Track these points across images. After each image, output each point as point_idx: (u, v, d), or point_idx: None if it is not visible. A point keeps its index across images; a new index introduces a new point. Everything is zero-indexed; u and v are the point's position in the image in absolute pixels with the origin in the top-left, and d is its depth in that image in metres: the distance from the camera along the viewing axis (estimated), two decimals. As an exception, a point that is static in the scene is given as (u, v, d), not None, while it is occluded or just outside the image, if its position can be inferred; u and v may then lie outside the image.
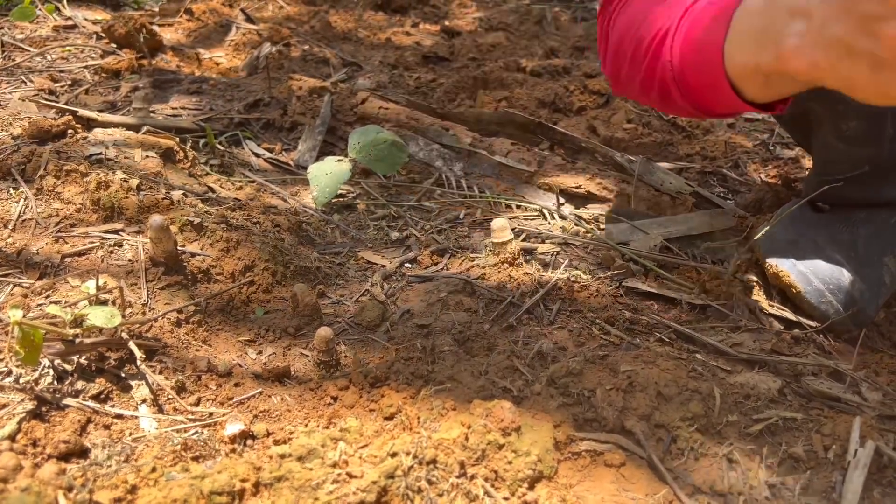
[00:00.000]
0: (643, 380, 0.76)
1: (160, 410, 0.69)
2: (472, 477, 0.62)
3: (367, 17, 2.50)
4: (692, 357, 0.87)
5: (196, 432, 0.66)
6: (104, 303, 0.79)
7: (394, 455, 0.60)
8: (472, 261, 1.05)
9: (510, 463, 0.64)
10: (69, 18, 2.12)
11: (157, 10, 2.25)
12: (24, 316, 0.64)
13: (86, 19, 2.12)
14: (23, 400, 0.65)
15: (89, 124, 1.24)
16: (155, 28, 1.92)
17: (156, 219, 0.85)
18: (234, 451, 0.62)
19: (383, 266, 1.05)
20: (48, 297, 0.82)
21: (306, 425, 0.69)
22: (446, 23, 2.49)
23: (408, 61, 1.97)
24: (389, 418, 0.68)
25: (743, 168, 1.55)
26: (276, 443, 0.66)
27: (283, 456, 0.58)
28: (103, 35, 1.93)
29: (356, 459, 0.59)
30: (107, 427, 0.66)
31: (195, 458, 0.60)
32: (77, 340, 0.69)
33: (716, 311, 0.97)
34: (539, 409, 0.70)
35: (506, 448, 0.65)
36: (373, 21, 2.48)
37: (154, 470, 0.55)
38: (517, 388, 0.74)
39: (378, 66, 1.96)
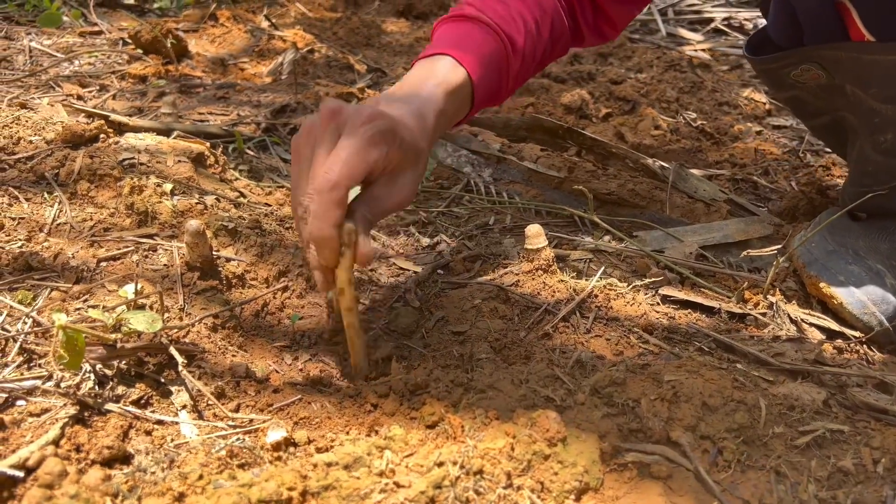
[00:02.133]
0: (688, 390, 0.74)
1: (200, 416, 0.69)
2: (519, 488, 0.61)
3: (389, 23, 2.51)
4: (732, 367, 0.85)
5: (238, 439, 0.65)
6: (142, 307, 0.79)
7: (440, 465, 0.59)
8: (505, 267, 1.04)
9: (556, 474, 0.63)
10: (95, 24, 2.13)
11: (181, 16, 2.27)
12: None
13: (111, 25, 2.13)
14: (65, 405, 0.65)
15: (120, 129, 1.24)
16: (180, 34, 1.93)
17: (192, 223, 0.85)
18: (278, 458, 0.62)
19: (415, 272, 1.04)
20: (86, 301, 0.82)
21: (348, 433, 0.68)
22: (468, 29, 2.49)
23: (432, 67, 1.97)
24: (432, 426, 0.67)
25: (773, 175, 1.53)
26: (319, 450, 0.65)
27: (329, 464, 0.57)
28: (129, 41, 1.94)
29: (402, 469, 0.58)
30: (148, 433, 0.66)
31: (241, 466, 0.59)
32: (118, 345, 0.69)
33: (755, 321, 0.95)
34: (583, 419, 0.69)
35: (551, 459, 0.64)
36: (395, 27, 2.48)
37: (201, 477, 0.54)
38: (559, 398, 0.73)
39: (403, 72, 1.96)
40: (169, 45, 1.78)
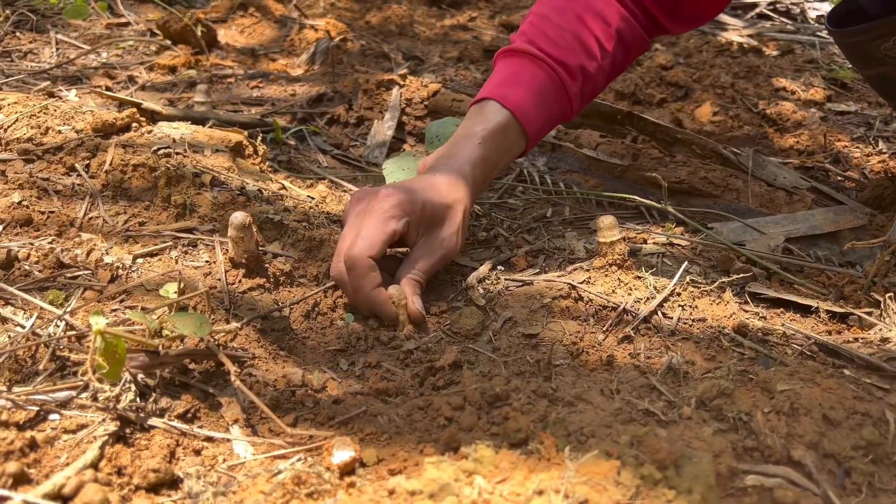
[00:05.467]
0: (806, 401, 0.65)
1: (254, 432, 0.61)
2: (628, 519, 0.52)
3: (421, 12, 2.42)
4: (839, 373, 0.76)
5: (299, 458, 0.57)
6: (184, 308, 0.71)
7: (540, 493, 0.50)
8: (573, 263, 0.95)
9: (670, 502, 0.54)
10: (122, 16, 2.07)
11: (209, 7, 2.20)
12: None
13: (139, 17, 2.07)
14: (104, 420, 0.57)
15: (153, 117, 1.17)
16: (209, 23, 1.86)
17: (237, 215, 0.77)
18: (351, 485, 0.53)
19: (473, 268, 0.96)
20: (122, 301, 0.74)
21: (422, 451, 0.59)
22: (504, 17, 2.40)
23: (472, 55, 1.88)
24: (518, 445, 0.59)
25: (844, 164, 1.42)
26: (392, 472, 0.57)
27: (412, 493, 0.49)
28: (157, 32, 1.88)
29: (497, 498, 0.50)
30: (197, 452, 0.58)
31: (310, 495, 0.51)
32: (162, 351, 0.61)
33: (859, 321, 0.85)
34: (693, 436, 0.60)
35: (662, 484, 0.55)
36: (427, 17, 2.40)
37: (266, 510, 0.46)
38: (660, 411, 0.64)
39: (440, 61, 1.88)
40: (199, 33, 1.71)
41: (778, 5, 2.66)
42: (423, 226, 0.83)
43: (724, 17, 2.56)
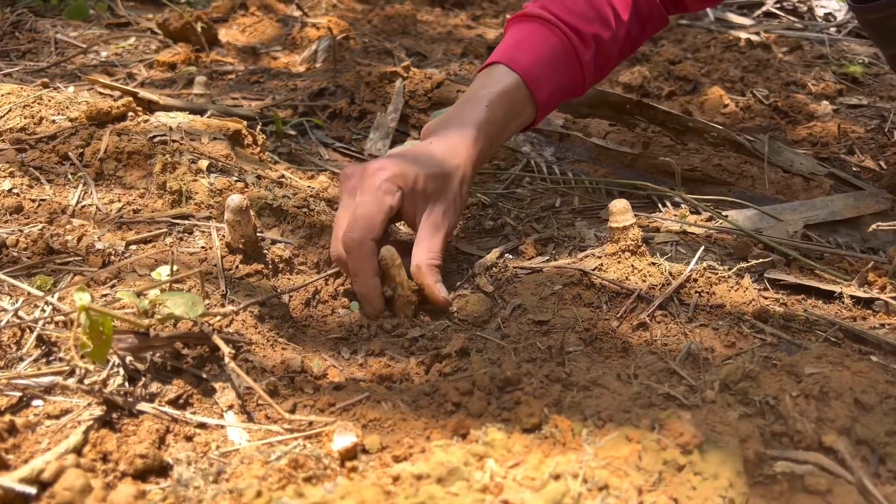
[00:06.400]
0: (836, 385, 0.61)
1: (250, 419, 0.57)
2: (651, 506, 0.48)
3: (425, 12, 2.40)
4: (866, 358, 0.72)
5: (297, 445, 0.53)
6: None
7: (557, 477, 0.46)
8: (583, 250, 0.91)
9: (694, 489, 0.50)
10: (122, 17, 2.05)
11: (210, 7, 2.18)
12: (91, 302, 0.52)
13: (140, 17, 2.05)
14: (89, 404, 0.54)
15: (150, 107, 1.14)
16: (209, 21, 1.84)
17: (234, 198, 0.74)
18: (353, 469, 0.50)
19: (480, 256, 0.92)
20: (113, 287, 0.71)
21: (428, 438, 0.56)
22: (507, 16, 2.37)
23: (477, 50, 1.86)
24: (531, 430, 0.55)
25: (860, 154, 1.38)
26: (396, 459, 0.53)
27: (419, 477, 0.45)
28: (157, 31, 1.86)
29: (510, 483, 0.46)
30: (189, 438, 0.54)
31: (308, 480, 0.47)
32: (152, 333, 0.57)
33: (885, 306, 0.81)
34: (718, 420, 0.56)
35: (687, 470, 0.51)
36: (430, 16, 2.37)
37: (259, 494, 0.42)
38: (682, 395, 0.60)
39: (444, 57, 1.85)
40: (199, 29, 1.69)
41: (785, 3, 2.64)
42: (418, 198, 0.79)
43: (731, 16, 2.54)
